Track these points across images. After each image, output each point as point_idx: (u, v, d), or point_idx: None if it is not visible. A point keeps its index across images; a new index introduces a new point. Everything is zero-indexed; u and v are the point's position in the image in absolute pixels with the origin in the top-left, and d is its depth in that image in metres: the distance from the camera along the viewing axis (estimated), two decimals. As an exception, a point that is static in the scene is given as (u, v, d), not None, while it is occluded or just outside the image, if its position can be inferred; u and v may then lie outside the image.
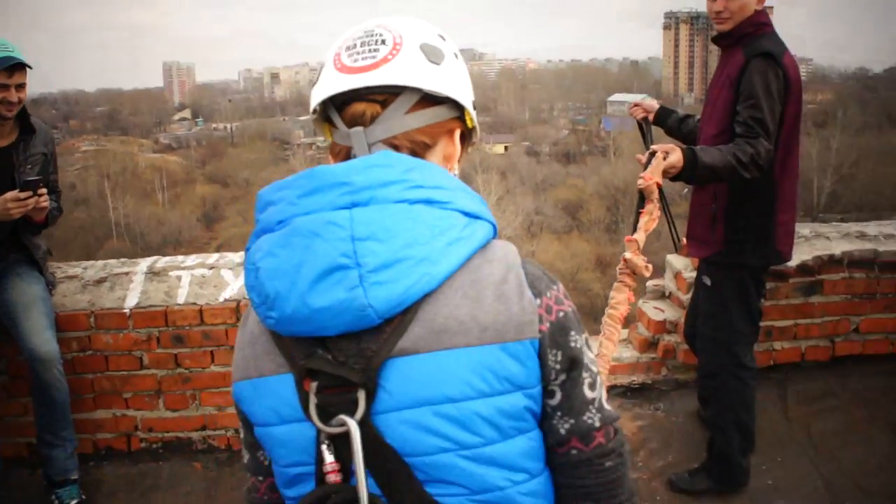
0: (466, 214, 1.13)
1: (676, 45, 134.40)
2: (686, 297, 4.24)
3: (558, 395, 1.16)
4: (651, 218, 2.60)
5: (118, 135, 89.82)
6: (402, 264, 1.06)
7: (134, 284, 3.80)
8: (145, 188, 69.51)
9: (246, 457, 1.32)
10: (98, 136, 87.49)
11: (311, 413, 1.08)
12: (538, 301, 1.13)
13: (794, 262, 4.07)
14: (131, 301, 3.71)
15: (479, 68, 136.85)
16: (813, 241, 4.27)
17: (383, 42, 1.19)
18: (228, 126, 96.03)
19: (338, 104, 1.21)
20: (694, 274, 4.27)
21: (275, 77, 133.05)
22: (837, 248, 4.22)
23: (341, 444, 1.08)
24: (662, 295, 4.60)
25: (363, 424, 1.07)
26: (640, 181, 2.77)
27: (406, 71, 1.17)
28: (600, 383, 1.21)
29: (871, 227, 4.50)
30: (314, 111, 1.26)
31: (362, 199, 1.08)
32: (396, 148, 1.17)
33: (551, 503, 1.20)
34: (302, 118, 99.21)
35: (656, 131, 3.69)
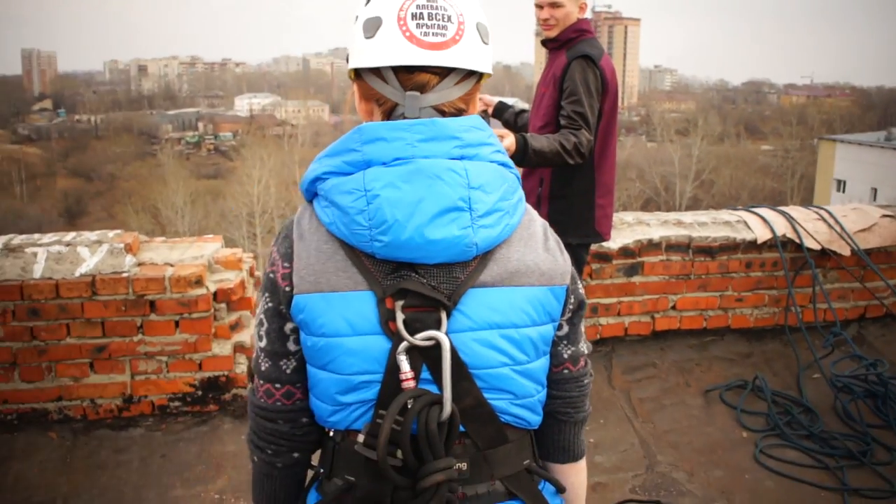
0: (517, 178, 1.43)
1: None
2: None
3: (566, 329, 1.50)
4: None
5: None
6: (496, 214, 1.33)
7: (-11, 259, 3.87)
8: (2, 181, 66.13)
9: (265, 364, 1.45)
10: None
11: (399, 326, 1.30)
12: (568, 260, 1.47)
13: (616, 245, 4.51)
14: (-14, 275, 3.79)
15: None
16: (634, 227, 4.73)
17: (449, 19, 1.34)
18: (93, 118, 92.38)
19: (396, 66, 1.34)
20: None
21: (142, 69, 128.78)
22: (656, 233, 4.69)
23: (417, 358, 1.32)
24: None
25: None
26: None
27: (469, 54, 1.35)
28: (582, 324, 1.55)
29: (688, 216, 5.00)
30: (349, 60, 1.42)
31: (469, 153, 1.34)
32: (443, 113, 1.37)
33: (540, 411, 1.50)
34: (170, 112, 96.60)
35: (495, 123, 4.05)
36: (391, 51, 1.33)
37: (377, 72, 1.36)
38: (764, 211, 5.08)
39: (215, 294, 4.03)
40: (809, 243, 4.85)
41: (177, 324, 3.94)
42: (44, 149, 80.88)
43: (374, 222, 1.28)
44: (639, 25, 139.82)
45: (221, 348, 4.04)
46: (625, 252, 4.59)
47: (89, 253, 3.95)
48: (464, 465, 1.40)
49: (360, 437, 1.34)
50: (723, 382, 4.62)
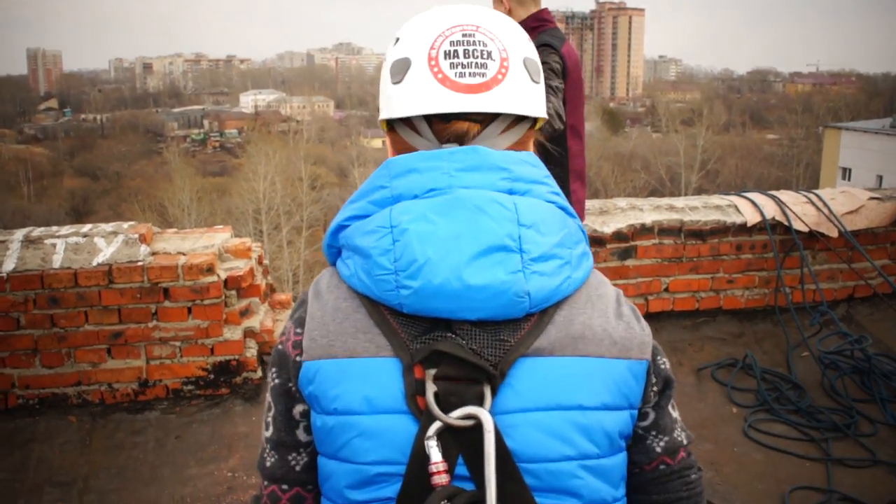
0: (581, 228, 1.18)
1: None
2: None
3: (652, 416, 1.18)
4: None
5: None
6: (554, 261, 1.07)
7: (10, 251, 4.05)
8: (9, 181, 66.38)
9: (270, 460, 1.20)
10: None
11: (430, 400, 1.02)
12: (647, 330, 1.17)
13: (610, 230, 4.68)
14: (8, 266, 3.97)
15: (358, 62, 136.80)
16: (627, 212, 4.90)
17: (490, 56, 1.13)
18: (98, 117, 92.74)
19: (429, 115, 1.14)
20: None
21: (147, 67, 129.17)
22: (649, 218, 4.87)
23: (451, 445, 1.04)
24: None
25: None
26: None
27: (516, 96, 1.13)
28: (675, 404, 1.24)
29: (679, 201, 5.18)
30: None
31: (520, 188, 1.10)
32: None
33: None
34: (175, 110, 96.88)
35: None
36: (422, 97, 1.12)
37: (409, 122, 1.16)
38: (754, 195, 5.24)
39: (226, 281, 4.22)
40: (798, 226, 5.02)
41: (189, 310, 4.13)
42: (50, 148, 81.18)
43: (400, 263, 1.04)
44: (643, 15, 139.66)
45: (232, 333, 4.23)
46: (618, 236, 4.77)
47: (105, 243, 4.14)
48: None
49: None
50: (714, 361, 4.79)
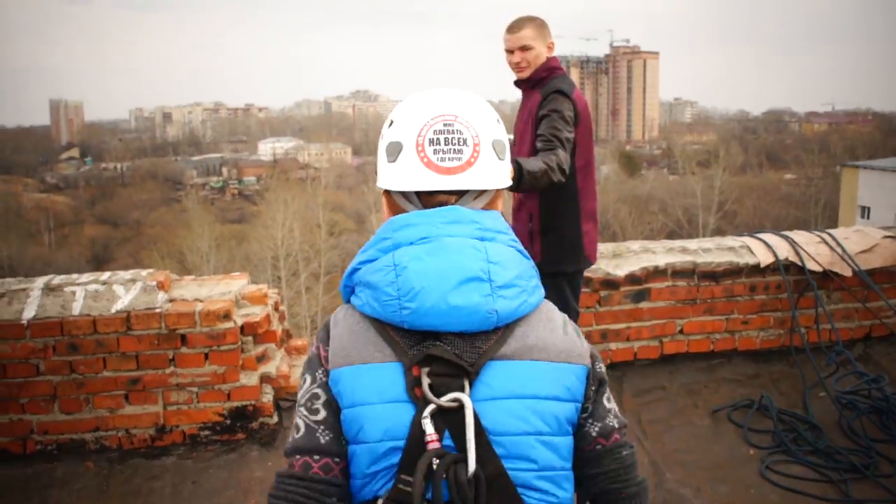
0: (534, 268, 1.56)
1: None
2: None
3: (590, 408, 1.54)
4: None
5: (0, 174, 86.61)
6: (515, 289, 1.46)
7: (31, 299, 4.13)
8: (30, 229, 67.09)
9: (298, 437, 1.49)
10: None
11: (425, 389, 1.38)
12: (586, 344, 1.55)
13: (623, 273, 4.71)
14: (29, 313, 4.04)
15: (375, 109, 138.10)
16: (640, 255, 4.93)
17: (465, 143, 1.49)
18: (119, 166, 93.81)
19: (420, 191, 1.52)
20: None
21: (167, 116, 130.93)
22: (662, 260, 4.89)
23: (441, 422, 1.39)
24: None
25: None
26: None
27: (484, 175, 1.51)
28: (611, 397, 1.60)
29: (692, 243, 5.20)
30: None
31: (488, 236, 1.49)
32: None
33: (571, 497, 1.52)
34: (194, 158, 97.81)
35: None
36: (411, 177, 1.50)
37: (403, 192, 1.55)
38: (767, 236, 5.26)
39: (242, 328, 4.26)
40: (811, 266, 5.03)
41: (206, 356, 4.17)
42: (71, 197, 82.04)
43: (402, 291, 1.41)
44: (658, 59, 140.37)
45: (248, 379, 4.27)
46: (632, 279, 4.79)
47: (124, 290, 4.21)
48: None
49: (380, 502, 1.42)
50: (730, 403, 4.78)
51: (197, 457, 4.21)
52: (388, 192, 1.58)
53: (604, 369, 1.59)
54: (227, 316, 4.16)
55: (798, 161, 74.25)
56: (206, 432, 4.26)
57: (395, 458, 1.41)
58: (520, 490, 1.43)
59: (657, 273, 4.86)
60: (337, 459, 1.47)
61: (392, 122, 1.56)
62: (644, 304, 4.87)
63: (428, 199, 1.53)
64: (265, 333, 4.42)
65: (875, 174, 44.31)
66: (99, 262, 62.24)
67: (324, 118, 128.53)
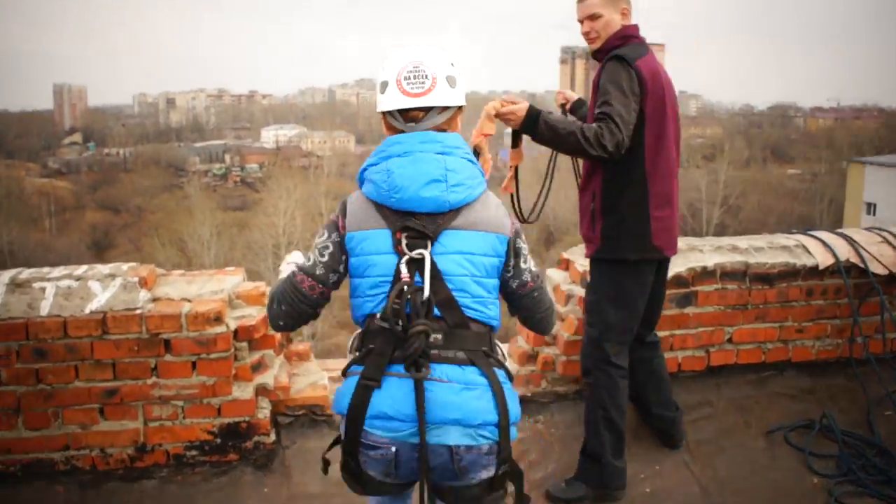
0: (481, 172, 2.37)
1: (573, 80, 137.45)
2: (565, 309, 4.29)
3: (511, 269, 2.37)
4: (484, 169, 3.01)
5: (3, 158, 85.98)
6: (462, 186, 2.24)
7: (-7, 296, 3.59)
8: (31, 214, 66.70)
9: (319, 270, 2.32)
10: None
11: (403, 247, 2.19)
12: (512, 220, 2.36)
13: (668, 274, 4.14)
14: (-12, 314, 3.50)
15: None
16: (687, 254, 4.35)
17: (426, 78, 2.28)
18: (122, 151, 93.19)
19: (399, 109, 2.30)
20: (570, 286, 4.33)
21: (170, 102, 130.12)
22: (710, 260, 4.32)
23: (412, 266, 2.19)
24: None
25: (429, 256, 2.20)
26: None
27: (441, 97, 2.30)
28: (530, 259, 2.41)
29: (742, 241, 4.63)
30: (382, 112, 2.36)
31: (447, 151, 2.27)
32: (435, 131, 2.32)
33: (499, 317, 2.34)
34: (197, 144, 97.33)
35: None
36: (394, 101, 2.31)
37: (390, 112, 2.34)
38: (823, 234, 4.70)
39: (236, 332, 3.73)
40: (875, 268, 4.47)
41: (194, 365, 3.63)
42: (73, 182, 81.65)
43: (390, 186, 2.23)
44: (663, 51, 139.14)
45: (242, 392, 3.73)
46: (677, 281, 4.22)
47: (101, 288, 3.67)
48: (439, 336, 2.21)
49: (379, 315, 2.21)
50: (786, 421, 4.24)
51: (182, 480, 3.67)
52: (383, 114, 2.36)
53: (521, 243, 2.39)
54: (218, 318, 3.61)
55: (803, 156, 73.61)
56: (193, 452, 3.72)
57: (385, 287, 2.23)
58: (462, 308, 2.26)
59: (705, 274, 4.29)
60: (321, 287, 2.35)
61: (384, 67, 2.34)
62: (690, 310, 4.31)
63: (406, 115, 2.32)
64: (262, 338, 3.88)
65: (882, 170, 43.79)
66: (100, 248, 61.99)
67: (328, 106, 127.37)
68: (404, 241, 2.20)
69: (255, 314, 3.84)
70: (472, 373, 2.21)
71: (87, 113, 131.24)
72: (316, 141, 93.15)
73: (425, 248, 2.20)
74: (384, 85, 2.32)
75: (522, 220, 3.68)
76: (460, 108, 2.38)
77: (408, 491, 2.41)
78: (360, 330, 2.34)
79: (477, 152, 3.07)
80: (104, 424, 3.64)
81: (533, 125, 3.33)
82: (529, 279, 2.40)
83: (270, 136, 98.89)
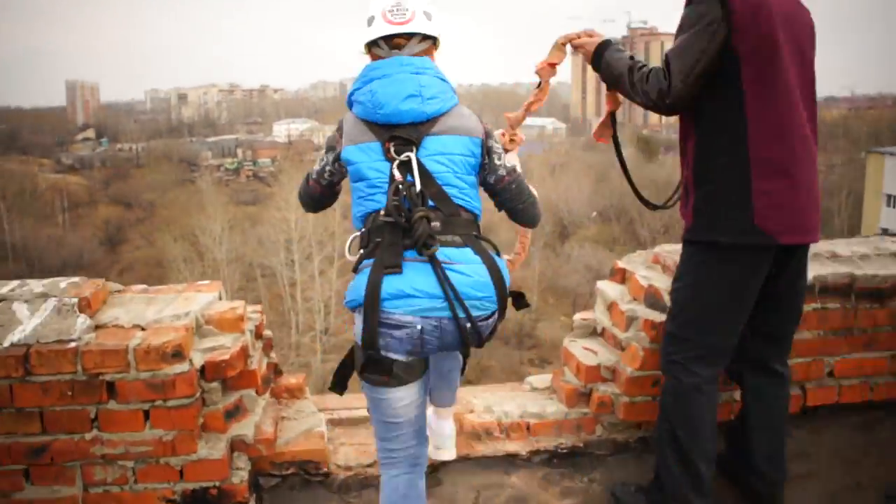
0: (452, 88, 2.68)
1: (584, 71, 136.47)
2: (626, 335, 3.39)
3: (487, 165, 2.68)
4: (535, 99, 3.11)
5: (17, 154, 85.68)
6: (435, 99, 2.57)
7: None
8: (45, 210, 66.39)
9: (326, 171, 2.76)
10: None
11: (392, 153, 2.52)
12: (483, 125, 2.68)
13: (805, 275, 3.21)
14: None
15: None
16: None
17: (407, 10, 2.62)
18: (134, 147, 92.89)
19: (383, 38, 2.64)
20: (632, 305, 3.44)
21: (182, 98, 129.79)
22: (808, 271, 3.40)
23: (402, 169, 2.51)
24: (594, 332, 3.74)
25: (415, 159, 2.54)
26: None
27: (419, 26, 2.64)
28: (503, 154, 2.73)
29: (841, 246, 3.73)
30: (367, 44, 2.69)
31: (420, 70, 2.59)
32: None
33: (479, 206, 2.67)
34: (209, 139, 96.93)
35: None
36: (380, 29, 2.64)
37: (376, 42, 2.66)
38: (938, 239, 3.79)
39: (203, 369, 2.87)
40: None
41: (146, 414, 2.76)
42: (86, 177, 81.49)
43: (374, 104, 2.56)
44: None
45: (212, 448, 2.86)
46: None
47: (28, 312, 2.82)
48: (437, 224, 2.49)
49: (382, 211, 2.50)
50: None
51: (132, 565, 2.81)
52: (369, 49, 2.69)
53: (493, 142, 2.69)
54: (178, 354, 2.74)
55: (819, 147, 72.15)
56: (148, 527, 2.86)
57: (383, 188, 2.54)
58: (451, 199, 2.56)
59: (802, 291, 3.38)
60: (329, 189, 2.84)
61: (369, 7, 2.67)
62: (783, 337, 3.40)
63: (390, 43, 2.64)
64: (240, 375, 3.02)
65: (903, 161, 42.63)
66: (112, 243, 61.71)
67: (339, 100, 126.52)
68: (392, 148, 2.52)
69: (229, 344, 2.97)
70: (468, 253, 2.52)
71: (100, 109, 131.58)
72: (328, 134, 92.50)
73: (411, 151, 2.52)
74: (371, 20, 2.66)
75: (651, 206, 3.34)
76: (435, 42, 2.72)
77: (423, 376, 2.62)
78: (358, 232, 2.63)
79: (539, 82, 3.14)
80: (30, 491, 2.78)
81: (599, 61, 2.97)
82: (504, 173, 2.71)
83: (282, 130, 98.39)
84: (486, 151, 2.65)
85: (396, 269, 2.43)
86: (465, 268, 2.47)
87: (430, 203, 2.50)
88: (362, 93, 2.59)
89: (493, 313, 2.53)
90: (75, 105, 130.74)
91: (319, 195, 2.84)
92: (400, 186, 2.46)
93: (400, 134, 2.53)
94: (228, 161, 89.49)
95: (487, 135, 2.66)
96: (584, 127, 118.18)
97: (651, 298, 3.36)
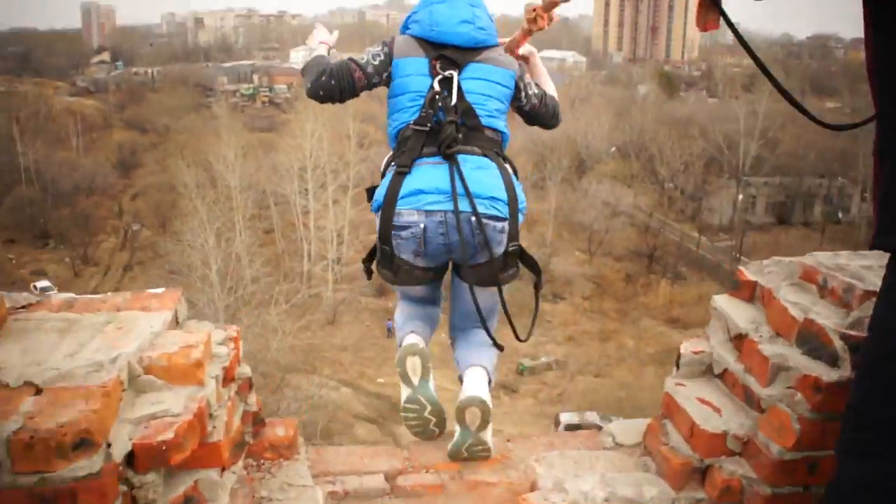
0: (496, 31, 3.11)
1: (607, 4, 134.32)
2: (768, 393, 2.26)
3: (522, 94, 3.13)
4: None
5: (31, 76, 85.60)
6: (485, 30, 3.02)
7: None
8: (59, 133, 66.38)
9: (370, 67, 3.01)
10: (10, 77, 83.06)
11: (438, 69, 2.90)
12: (518, 63, 3.14)
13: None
14: None
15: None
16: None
17: None
18: (150, 71, 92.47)
19: None
20: (777, 347, 2.31)
21: (199, 22, 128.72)
22: None
23: (443, 84, 2.89)
24: (709, 370, 2.59)
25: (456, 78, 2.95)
26: None
27: None
28: (533, 85, 3.18)
29: None
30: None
31: (475, 3, 3.05)
32: None
33: (507, 132, 3.07)
34: (226, 65, 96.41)
35: None
36: None
37: None
38: None
39: (131, 456, 1.81)
40: None
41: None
42: (101, 101, 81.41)
43: (432, 22, 2.96)
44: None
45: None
46: None
47: None
48: (461, 135, 2.83)
49: (413, 122, 2.88)
50: None
51: None
52: None
53: (527, 78, 3.15)
54: (84, 443, 1.67)
55: (845, 89, 71.19)
56: None
57: (420, 101, 2.89)
58: (479, 117, 2.91)
59: None
60: (366, 80, 3.03)
61: None
62: None
63: None
64: (198, 453, 1.97)
65: (931, 104, 41.98)
66: (125, 167, 61.93)
67: (358, 27, 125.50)
68: (438, 65, 2.91)
69: (178, 408, 1.91)
70: (486, 161, 2.85)
71: (116, 32, 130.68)
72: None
73: (454, 70, 2.90)
74: None
75: (832, 127, 2.12)
76: None
77: (437, 283, 3.05)
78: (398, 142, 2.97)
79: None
80: None
81: None
82: (536, 101, 3.19)
83: (299, 56, 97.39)
84: (521, 86, 3.10)
85: (405, 168, 2.81)
86: (480, 172, 2.80)
87: (461, 120, 2.85)
88: (422, 13, 3.01)
89: (500, 217, 2.77)
90: (91, 27, 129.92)
91: (351, 85, 3.01)
92: (436, 97, 2.85)
93: (448, 54, 2.93)
94: (244, 87, 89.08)
95: (521, 70, 3.13)
96: (605, 61, 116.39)
97: (810, 340, 2.19)
